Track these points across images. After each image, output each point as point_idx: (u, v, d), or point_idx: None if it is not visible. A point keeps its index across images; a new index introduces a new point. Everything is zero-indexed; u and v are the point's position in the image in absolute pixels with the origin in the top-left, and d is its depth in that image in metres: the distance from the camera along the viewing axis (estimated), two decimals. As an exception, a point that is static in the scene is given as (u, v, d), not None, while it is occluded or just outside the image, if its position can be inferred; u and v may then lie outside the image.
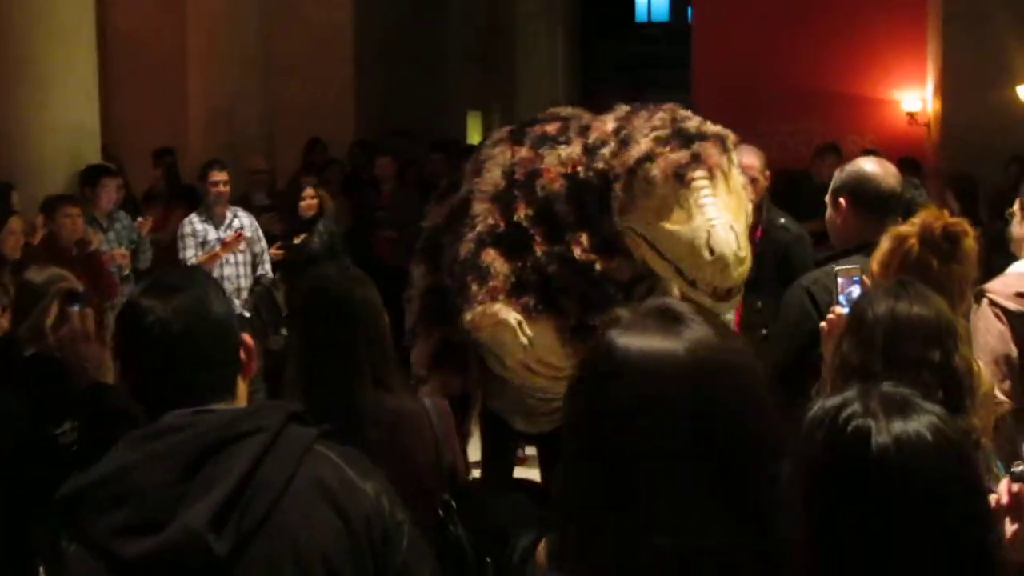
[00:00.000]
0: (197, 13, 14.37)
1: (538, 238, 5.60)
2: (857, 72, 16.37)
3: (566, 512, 1.90)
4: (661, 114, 5.42)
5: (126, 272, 10.20)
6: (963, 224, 4.15)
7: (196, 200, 11.03)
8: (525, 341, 5.65)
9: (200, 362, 2.67)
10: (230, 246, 10.21)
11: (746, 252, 5.06)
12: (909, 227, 4.17)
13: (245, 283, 10.42)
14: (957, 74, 15.18)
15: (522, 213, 5.67)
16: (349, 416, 3.85)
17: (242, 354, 2.75)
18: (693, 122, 5.38)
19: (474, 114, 24.00)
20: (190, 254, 10.23)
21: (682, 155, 5.16)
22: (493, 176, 5.91)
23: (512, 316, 5.65)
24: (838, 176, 5.04)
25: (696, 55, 17.49)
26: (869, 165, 4.99)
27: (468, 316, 5.76)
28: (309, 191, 11.27)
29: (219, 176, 10.63)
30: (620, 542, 1.81)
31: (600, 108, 5.88)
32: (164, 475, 2.48)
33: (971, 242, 4.14)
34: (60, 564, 2.55)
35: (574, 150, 5.62)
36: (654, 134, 5.29)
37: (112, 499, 2.49)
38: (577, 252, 5.49)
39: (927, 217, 4.16)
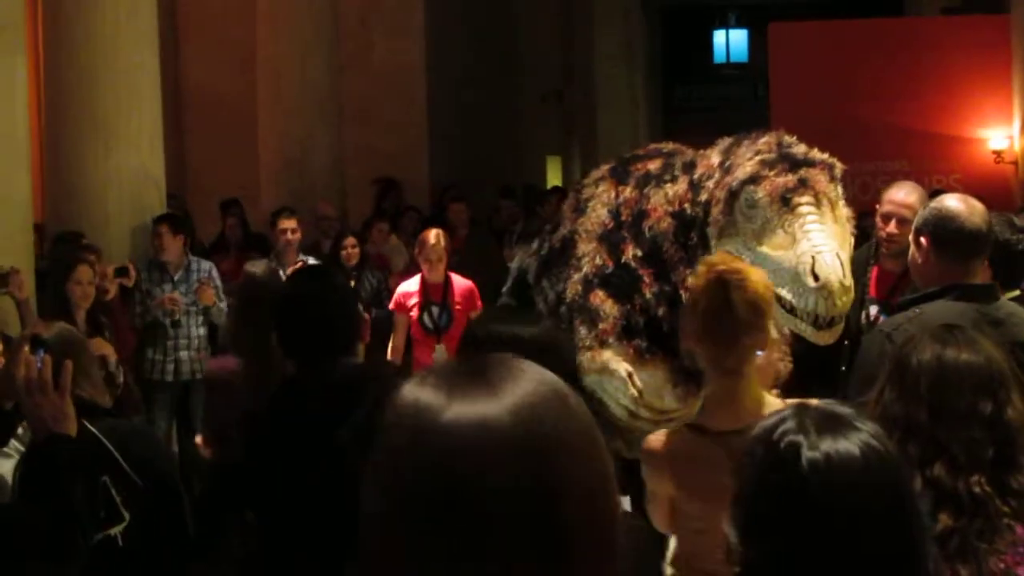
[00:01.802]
0: (266, 62, 14.29)
1: (647, 279, 5.50)
2: (941, 110, 16.05)
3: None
4: (767, 138, 5.26)
5: (177, 317, 9.91)
6: (742, 273, 3.89)
7: (267, 248, 10.92)
8: (635, 393, 5.49)
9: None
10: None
11: (851, 282, 4.82)
12: (703, 266, 4.01)
13: None
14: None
15: (630, 254, 5.57)
16: None
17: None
18: (800, 148, 5.23)
19: (553, 158, 23.84)
20: None
21: (789, 179, 5.00)
22: (599, 215, 5.80)
23: (623, 367, 5.49)
24: (920, 214, 4.76)
25: (774, 94, 17.21)
26: (952, 202, 4.69)
27: (579, 359, 5.54)
28: (350, 240, 11.24)
29: (288, 224, 10.55)
30: None
31: (685, 145, 5.76)
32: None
33: (749, 292, 3.83)
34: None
35: (680, 187, 5.50)
36: (759, 157, 5.12)
37: None
38: (683, 293, 5.32)
39: (716, 259, 3.98)
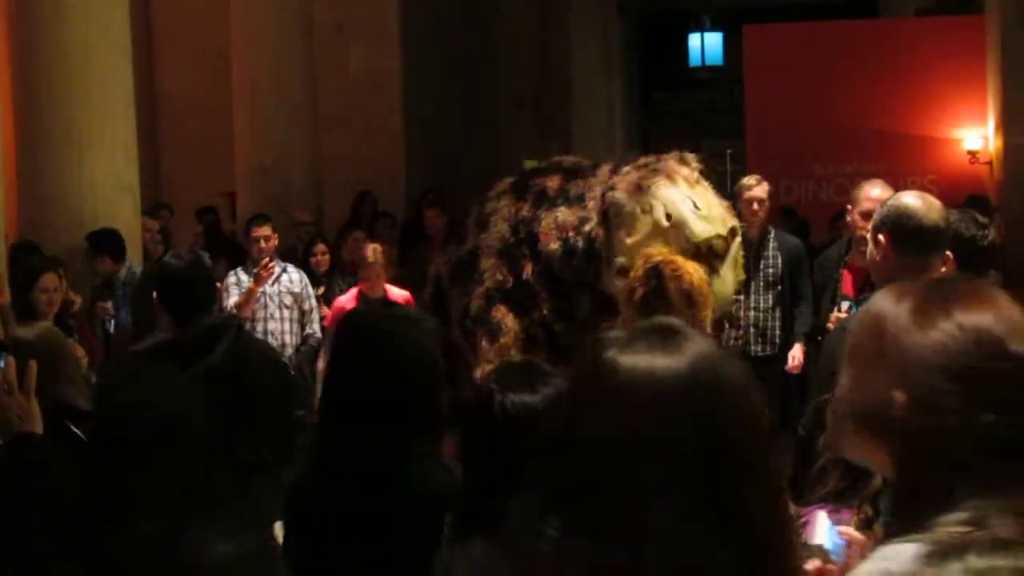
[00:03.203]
0: (242, 68, 14.28)
1: (544, 295, 5.59)
2: (916, 111, 16.10)
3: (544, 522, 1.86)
4: (639, 160, 5.45)
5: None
6: (676, 264, 4.04)
7: (240, 255, 10.88)
8: None
9: None
10: (262, 280, 9.82)
11: (713, 212, 4.85)
12: (640, 257, 4.01)
13: (291, 340, 10.13)
14: (1018, 111, 14.88)
15: (528, 270, 5.66)
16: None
17: None
18: (652, 157, 5.39)
19: (531, 163, 23.81)
20: (231, 303, 9.78)
21: (640, 172, 5.12)
22: (500, 230, 5.91)
23: None
24: (878, 211, 4.77)
25: (749, 97, 17.24)
26: (910, 199, 4.71)
27: (478, 373, 5.64)
28: (320, 247, 11.26)
29: (261, 231, 10.46)
30: (609, 554, 1.79)
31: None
32: None
33: (684, 283, 3.87)
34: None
35: (567, 217, 5.61)
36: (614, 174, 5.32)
37: None
38: (580, 312, 5.46)
39: (654, 251, 3.99)
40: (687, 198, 4.92)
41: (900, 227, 4.60)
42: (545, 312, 5.63)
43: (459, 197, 15.62)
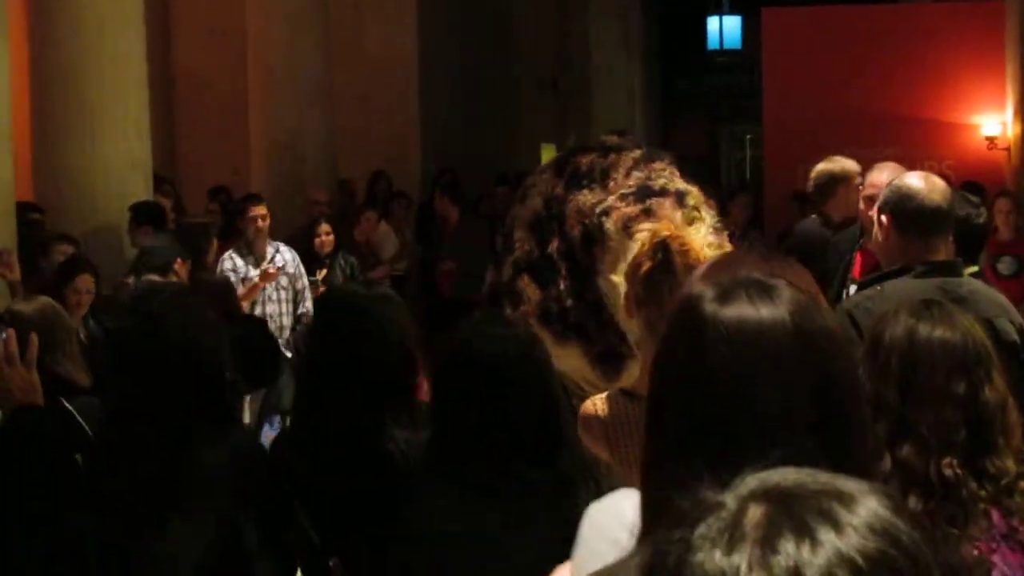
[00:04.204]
0: (257, 47, 14.26)
1: (563, 271, 5.66)
2: (934, 96, 16.00)
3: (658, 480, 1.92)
4: (638, 174, 5.41)
5: None
6: (683, 240, 3.92)
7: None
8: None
9: None
10: (269, 277, 9.90)
11: None
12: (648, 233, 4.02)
13: (287, 321, 10.10)
14: (1037, 96, 14.82)
15: (554, 246, 5.72)
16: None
17: None
18: (662, 180, 5.33)
19: (548, 146, 23.79)
20: None
21: (633, 209, 5.11)
22: (534, 204, 5.99)
23: None
24: (883, 193, 4.75)
25: (767, 81, 17.16)
26: (913, 180, 4.68)
27: None
28: (324, 227, 11.09)
29: (257, 210, 10.32)
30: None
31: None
32: None
33: (691, 259, 3.84)
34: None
35: (589, 200, 5.66)
36: (621, 191, 5.29)
37: None
38: (589, 295, 5.53)
39: (661, 226, 3.97)
40: None
41: (901, 208, 4.58)
42: (561, 288, 5.73)
43: (476, 178, 15.64)
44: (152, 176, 11.21)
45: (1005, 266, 11.03)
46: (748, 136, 32.70)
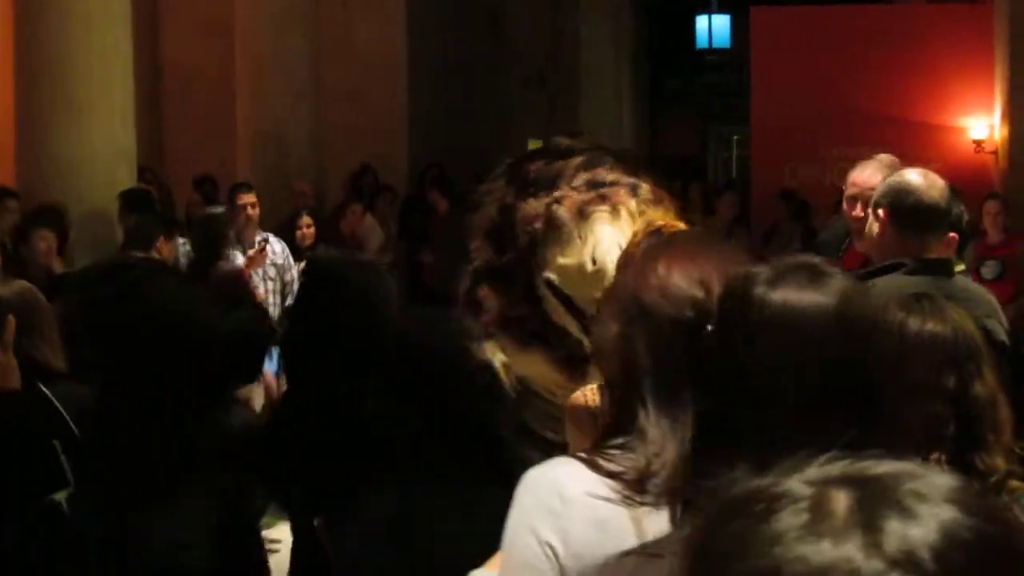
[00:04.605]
0: (245, 40, 14.21)
1: (518, 279, 5.62)
2: (921, 98, 15.97)
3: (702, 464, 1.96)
4: (585, 175, 5.37)
5: None
6: (678, 228, 3.90)
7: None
8: (508, 385, 5.59)
9: None
10: (255, 262, 9.83)
11: None
12: (642, 223, 3.99)
13: (275, 311, 10.06)
14: (1024, 101, 14.79)
15: (510, 255, 5.67)
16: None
17: None
18: (613, 176, 5.29)
19: (536, 143, 23.70)
20: None
21: (589, 195, 5.07)
22: (489, 212, 5.88)
23: (499, 358, 5.60)
24: (879, 187, 4.71)
25: (755, 80, 17.13)
26: (911, 176, 4.66)
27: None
28: (306, 220, 11.05)
29: (246, 199, 10.33)
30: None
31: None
32: None
33: None
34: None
35: (535, 208, 5.59)
36: (568, 183, 5.24)
37: None
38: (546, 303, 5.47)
39: (656, 216, 3.91)
40: (618, 244, 4.87)
41: (898, 203, 4.55)
42: (518, 296, 5.64)
43: (463, 174, 15.58)
44: (136, 167, 11.16)
45: (989, 270, 11.08)
46: (735, 136, 32.69)
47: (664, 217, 4.12)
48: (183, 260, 9.89)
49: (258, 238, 10.17)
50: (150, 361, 3.54)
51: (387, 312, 4.03)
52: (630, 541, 2.08)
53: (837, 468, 1.20)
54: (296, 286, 10.01)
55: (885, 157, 6.73)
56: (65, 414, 4.36)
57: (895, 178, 4.68)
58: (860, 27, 16.43)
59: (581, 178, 5.33)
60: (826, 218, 14.58)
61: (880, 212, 4.59)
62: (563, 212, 5.11)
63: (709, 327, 2.11)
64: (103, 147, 10.55)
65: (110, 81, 10.64)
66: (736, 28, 27.02)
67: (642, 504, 2.12)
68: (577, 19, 24.90)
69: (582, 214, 5.05)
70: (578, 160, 5.57)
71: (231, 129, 14.55)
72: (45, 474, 4.19)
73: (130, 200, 10.11)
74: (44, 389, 4.33)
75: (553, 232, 5.17)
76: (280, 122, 13.99)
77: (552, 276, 5.04)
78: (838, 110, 15.85)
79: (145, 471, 3.60)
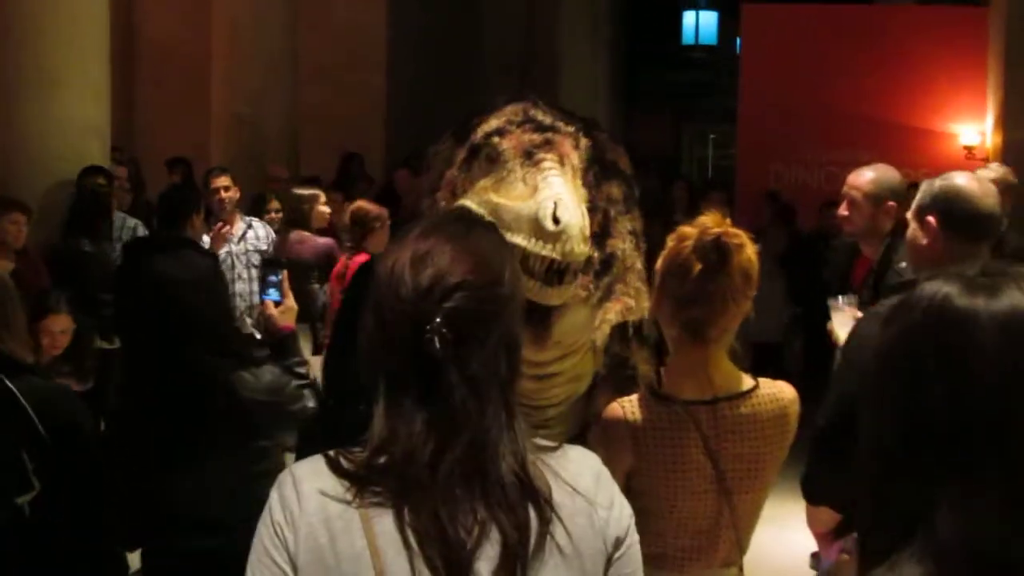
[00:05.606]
0: (221, 16, 13.89)
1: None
2: (913, 102, 15.80)
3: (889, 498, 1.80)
4: (515, 106, 4.97)
5: None
6: (741, 237, 3.67)
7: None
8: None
9: None
10: (218, 240, 9.46)
11: (588, 233, 4.45)
12: (692, 228, 3.72)
13: (257, 300, 9.71)
14: (1018, 108, 14.52)
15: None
16: None
17: None
18: (548, 118, 4.89)
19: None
20: None
21: (535, 137, 4.68)
22: (436, 173, 5.56)
23: None
24: (927, 191, 4.37)
25: (745, 77, 16.92)
26: (965, 180, 4.33)
27: None
28: (274, 204, 10.80)
29: (221, 182, 9.99)
30: (965, 520, 1.72)
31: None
32: None
33: (745, 257, 3.62)
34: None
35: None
36: (506, 117, 4.80)
37: None
38: None
39: (709, 221, 3.67)
40: (578, 206, 4.50)
41: (952, 211, 4.21)
42: None
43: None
44: (110, 144, 10.80)
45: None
46: (711, 136, 32.51)
47: (713, 221, 3.79)
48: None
49: (241, 223, 9.80)
50: (162, 322, 4.00)
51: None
52: (358, 541, 2.13)
53: None
54: None
55: (882, 167, 6.57)
56: (29, 409, 4.22)
57: (945, 183, 4.36)
58: (853, 27, 16.32)
59: (512, 109, 4.94)
60: (809, 221, 14.44)
61: (930, 219, 4.26)
62: (506, 145, 4.72)
63: (429, 327, 2.13)
64: (73, 122, 10.20)
65: (83, 54, 10.30)
66: (723, 26, 26.90)
67: (372, 504, 2.15)
68: (555, 8, 24.64)
69: (529, 157, 4.66)
70: (522, 105, 5.18)
71: (205, 109, 14.25)
72: (9, 478, 4.12)
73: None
74: (10, 384, 4.21)
75: (486, 163, 4.74)
76: (255, 102, 13.72)
77: (471, 204, 4.61)
78: (827, 111, 15.74)
79: (170, 432, 3.95)
